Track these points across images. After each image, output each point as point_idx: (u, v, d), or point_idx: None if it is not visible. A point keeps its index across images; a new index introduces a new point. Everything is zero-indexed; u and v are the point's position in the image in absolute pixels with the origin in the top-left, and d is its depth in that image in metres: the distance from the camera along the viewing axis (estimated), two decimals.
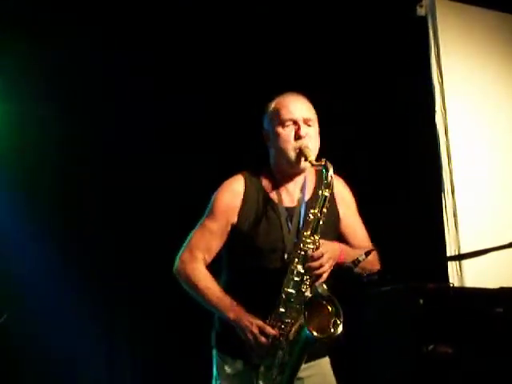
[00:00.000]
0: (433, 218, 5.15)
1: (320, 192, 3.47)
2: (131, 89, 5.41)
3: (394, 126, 5.39)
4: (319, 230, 3.46)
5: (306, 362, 3.52)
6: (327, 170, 3.45)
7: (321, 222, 3.46)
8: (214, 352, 3.63)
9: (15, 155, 5.35)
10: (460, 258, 5.12)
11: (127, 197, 5.41)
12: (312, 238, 3.46)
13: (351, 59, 5.47)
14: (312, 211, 3.47)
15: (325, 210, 3.46)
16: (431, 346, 4.40)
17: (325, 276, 3.46)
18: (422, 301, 4.50)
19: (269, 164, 3.69)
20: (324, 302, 3.37)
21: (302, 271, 3.45)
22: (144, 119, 5.55)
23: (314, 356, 3.58)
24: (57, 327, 5.17)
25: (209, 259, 3.61)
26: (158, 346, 5.34)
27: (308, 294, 3.42)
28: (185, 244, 3.63)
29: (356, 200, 3.83)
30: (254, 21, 5.44)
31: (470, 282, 4.98)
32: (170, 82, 5.51)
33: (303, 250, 3.45)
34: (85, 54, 5.31)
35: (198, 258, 3.58)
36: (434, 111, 5.22)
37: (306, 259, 3.45)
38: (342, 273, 3.56)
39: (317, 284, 3.41)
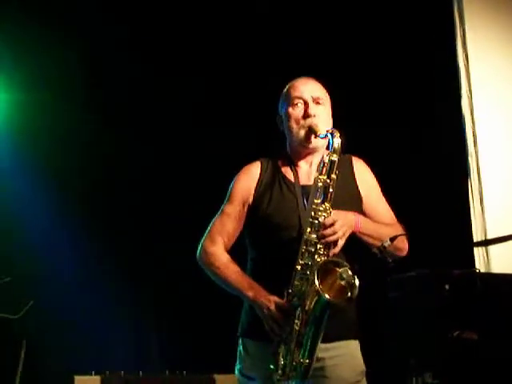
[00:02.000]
0: (459, 204, 5.10)
1: (327, 158, 3.45)
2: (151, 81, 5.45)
3: (419, 110, 5.35)
4: (330, 198, 3.42)
5: (331, 342, 3.49)
6: (333, 137, 3.44)
7: (331, 190, 3.42)
8: (238, 336, 3.63)
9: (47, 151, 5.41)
10: (486, 243, 5.08)
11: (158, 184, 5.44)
12: (323, 206, 3.42)
13: (377, 44, 5.44)
14: (320, 177, 3.44)
15: (333, 175, 3.42)
16: (457, 332, 4.37)
17: (340, 244, 3.41)
18: (447, 287, 4.47)
19: (286, 149, 3.69)
20: (337, 268, 3.32)
21: (316, 240, 3.41)
22: (168, 112, 5.59)
23: (340, 337, 3.54)
24: (85, 314, 5.23)
25: (229, 243, 3.63)
26: (184, 329, 5.37)
27: (322, 260, 3.37)
28: (206, 231, 3.65)
29: (380, 185, 3.79)
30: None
31: (496, 268, 4.93)
32: (192, 68, 5.54)
33: (315, 219, 3.42)
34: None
35: (217, 243, 3.61)
36: (459, 95, 5.18)
37: (318, 228, 3.42)
38: (368, 258, 3.50)
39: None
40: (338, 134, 3.45)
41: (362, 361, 3.55)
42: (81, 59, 5.44)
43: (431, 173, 5.24)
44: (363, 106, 5.39)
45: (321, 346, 3.40)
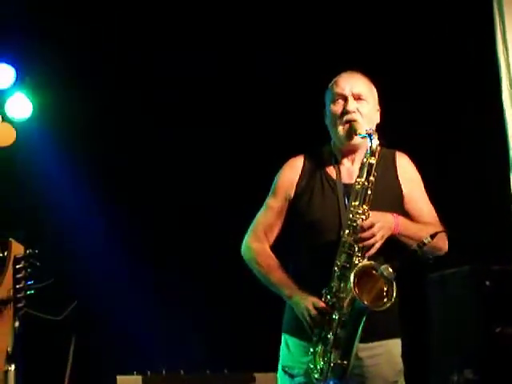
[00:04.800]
0: (500, 198, 5.07)
1: (365, 160, 3.44)
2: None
3: (459, 105, 5.32)
4: (368, 200, 3.41)
5: (370, 342, 3.48)
6: (372, 139, 3.43)
7: (369, 192, 3.41)
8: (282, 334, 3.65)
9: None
10: None
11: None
12: (361, 209, 3.41)
13: (418, 40, 5.42)
14: (358, 180, 3.43)
15: (372, 178, 3.41)
16: (498, 328, 4.34)
17: (376, 246, 3.41)
18: (488, 283, 4.45)
19: (330, 143, 3.68)
20: (375, 272, 3.32)
21: (353, 243, 3.41)
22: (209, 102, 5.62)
23: (381, 336, 3.53)
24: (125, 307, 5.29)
25: (271, 238, 3.63)
26: (225, 327, 5.40)
27: (359, 265, 3.37)
28: (251, 225, 3.67)
29: (423, 181, 3.77)
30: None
31: None
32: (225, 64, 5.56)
33: (353, 221, 3.41)
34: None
35: (260, 238, 3.61)
36: (500, 90, 5.14)
37: (356, 230, 3.41)
38: (408, 255, 3.49)
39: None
40: (376, 136, 3.44)
41: (401, 360, 3.55)
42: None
43: (472, 168, 5.21)
44: (406, 102, 5.37)
45: (360, 345, 3.39)
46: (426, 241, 3.38)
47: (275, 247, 3.62)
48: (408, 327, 3.61)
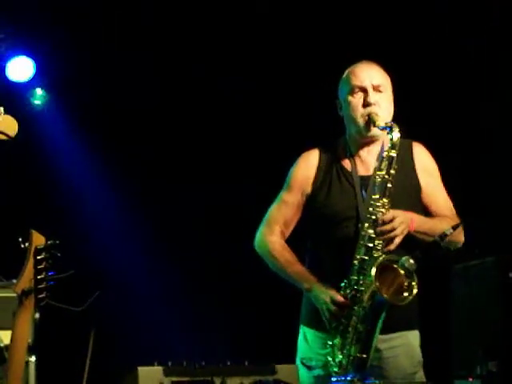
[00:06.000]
0: None
1: (386, 153, 3.43)
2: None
3: (486, 100, 5.29)
4: (388, 193, 3.40)
5: (389, 333, 3.47)
6: (392, 131, 3.41)
7: (389, 185, 3.41)
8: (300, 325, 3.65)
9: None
10: None
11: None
12: (381, 202, 3.41)
13: (444, 32, 5.38)
14: (379, 173, 3.43)
15: (392, 171, 3.41)
16: None
17: (397, 241, 3.40)
18: (511, 274, 4.42)
19: (345, 135, 3.67)
20: (396, 266, 3.31)
21: (373, 236, 3.40)
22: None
23: (399, 327, 3.52)
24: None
25: (287, 232, 3.64)
26: (245, 319, 5.40)
27: (380, 259, 3.37)
28: (264, 219, 3.66)
29: (440, 170, 3.74)
30: None
31: None
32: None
33: (373, 214, 3.41)
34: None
35: (275, 231, 3.62)
36: None
37: (376, 223, 3.40)
38: (429, 247, 3.47)
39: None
40: (397, 129, 3.43)
41: (420, 351, 3.53)
42: None
43: (497, 157, 5.18)
44: (417, 90, 5.35)
45: (379, 337, 3.39)
46: (447, 232, 3.38)
47: (289, 241, 3.61)
48: (430, 318, 3.60)
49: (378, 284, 3.27)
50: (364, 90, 3.55)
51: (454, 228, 3.40)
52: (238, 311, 5.51)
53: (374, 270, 3.30)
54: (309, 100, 5.42)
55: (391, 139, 3.43)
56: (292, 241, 3.64)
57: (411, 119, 3.61)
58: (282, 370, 3.17)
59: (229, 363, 3.17)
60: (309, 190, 3.61)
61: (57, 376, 4.76)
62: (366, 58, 3.63)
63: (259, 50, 5.59)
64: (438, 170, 3.68)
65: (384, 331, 3.41)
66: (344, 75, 3.64)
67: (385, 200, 3.41)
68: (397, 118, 3.54)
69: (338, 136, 3.68)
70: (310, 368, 3.52)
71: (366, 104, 3.53)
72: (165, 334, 5.30)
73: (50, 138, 5.51)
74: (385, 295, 3.28)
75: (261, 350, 4.99)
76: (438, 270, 4.38)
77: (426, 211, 3.58)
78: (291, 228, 3.64)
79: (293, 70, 5.55)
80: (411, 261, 3.32)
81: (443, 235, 3.38)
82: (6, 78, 5.52)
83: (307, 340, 3.58)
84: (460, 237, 3.58)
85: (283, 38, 5.53)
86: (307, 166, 3.63)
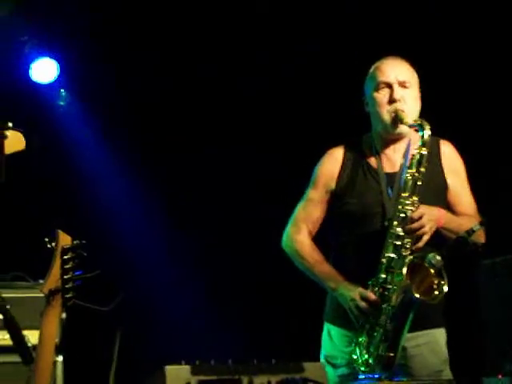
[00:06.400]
0: None
1: (416, 151, 3.41)
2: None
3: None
4: (417, 191, 3.39)
5: (415, 331, 3.46)
6: (423, 129, 3.39)
7: (419, 183, 3.39)
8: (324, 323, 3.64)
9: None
10: None
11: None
12: (411, 200, 3.40)
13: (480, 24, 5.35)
14: (409, 171, 3.41)
15: (422, 169, 3.40)
16: None
17: (425, 238, 3.38)
18: None
19: (370, 132, 3.65)
20: (426, 264, 3.29)
21: (402, 234, 3.38)
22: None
23: (425, 325, 3.50)
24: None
25: (313, 229, 3.64)
26: (273, 317, 5.39)
27: (409, 257, 3.35)
28: (291, 217, 3.66)
29: (466, 167, 3.72)
30: None
31: None
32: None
33: (402, 212, 3.39)
34: None
35: (302, 230, 3.63)
36: None
37: (405, 221, 3.38)
38: (457, 243, 3.46)
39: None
40: (428, 126, 3.40)
41: (446, 349, 3.51)
42: None
43: None
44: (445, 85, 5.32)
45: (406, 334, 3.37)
46: (475, 228, 3.39)
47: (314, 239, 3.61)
48: (458, 316, 3.58)
49: (409, 282, 3.25)
50: (389, 86, 3.54)
51: (482, 224, 3.39)
52: (266, 309, 5.51)
53: (405, 269, 3.28)
54: (335, 97, 5.40)
55: (422, 137, 3.41)
56: (316, 239, 3.62)
57: (439, 116, 3.57)
58: (310, 368, 3.16)
59: (256, 361, 3.16)
60: (333, 186, 3.60)
61: (84, 376, 4.77)
62: (395, 54, 3.60)
63: (287, 46, 5.57)
64: (464, 169, 3.66)
65: (410, 329, 3.40)
66: (370, 71, 3.63)
67: (414, 198, 3.40)
68: (425, 115, 3.51)
69: (363, 133, 3.66)
70: (334, 366, 3.52)
71: (391, 100, 3.52)
72: (192, 333, 5.31)
73: (73, 139, 5.53)
74: (416, 294, 3.26)
75: (288, 347, 5.00)
76: (466, 267, 4.35)
77: (450, 210, 3.56)
78: (318, 225, 3.65)
79: (321, 66, 5.52)
80: (438, 257, 3.31)
81: (471, 231, 3.38)
82: (30, 79, 5.53)
83: (331, 337, 3.57)
84: (481, 238, 3.56)
85: (312, 32, 5.51)
86: (332, 162, 3.63)
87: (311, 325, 3.94)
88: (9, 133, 2.97)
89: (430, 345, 3.53)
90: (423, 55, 4.22)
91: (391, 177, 3.55)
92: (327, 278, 3.52)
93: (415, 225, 3.38)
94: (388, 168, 3.58)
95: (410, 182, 3.41)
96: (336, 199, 3.60)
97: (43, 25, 5.43)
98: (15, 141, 2.97)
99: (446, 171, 3.61)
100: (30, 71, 5.53)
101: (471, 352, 4.52)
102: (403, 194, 3.41)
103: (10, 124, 2.97)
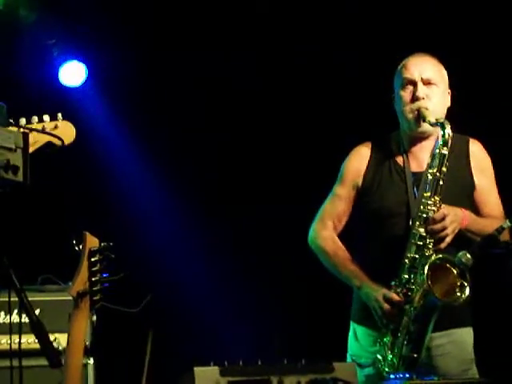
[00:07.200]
0: None
1: (437, 151, 3.39)
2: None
3: None
4: (440, 191, 3.36)
5: (440, 331, 3.43)
6: (444, 128, 3.36)
7: (441, 182, 3.36)
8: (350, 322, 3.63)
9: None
10: None
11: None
12: (433, 200, 3.37)
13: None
14: (430, 171, 3.38)
15: (444, 168, 3.37)
16: None
17: (448, 240, 3.35)
18: None
19: (398, 130, 3.63)
20: (448, 265, 3.26)
21: (424, 234, 3.35)
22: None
23: (450, 324, 3.47)
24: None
25: (340, 226, 3.63)
26: (303, 317, 5.38)
27: (432, 258, 3.32)
28: (317, 214, 3.65)
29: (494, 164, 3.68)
30: None
31: None
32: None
33: (424, 213, 3.36)
34: None
35: (328, 226, 3.62)
36: None
37: (427, 222, 3.35)
38: (486, 241, 3.42)
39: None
40: (449, 125, 3.37)
41: (472, 349, 3.48)
42: None
43: None
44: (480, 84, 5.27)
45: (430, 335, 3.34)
46: (505, 226, 3.35)
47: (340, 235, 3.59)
48: (487, 315, 3.54)
49: (430, 283, 3.22)
50: (414, 84, 3.51)
51: None
52: (295, 309, 5.50)
53: (426, 269, 3.26)
54: (364, 94, 5.37)
55: (443, 136, 3.38)
56: (342, 235, 3.61)
57: (470, 115, 3.54)
58: (340, 368, 3.14)
59: (285, 362, 3.15)
60: (359, 182, 3.59)
61: (115, 378, 4.78)
62: (426, 50, 3.57)
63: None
64: (492, 169, 3.62)
65: (435, 329, 3.38)
66: (398, 68, 3.60)
67: (436, 198, 3.38)
68: (454, 114, 3.47)
69: (392, 131, 3.63)
70: (360, 366, 3.50)
71: (414, 98, 3.48)
72: (220, 334, 5.31)
73: (102, 142, 5.55)
74: (437, 295, 3.24)
75: (318, 347, 4.98)
76: (495, 266, 4.31)
77: (476, 210, 3.52)
78: (344, 222, 3.64)
79: (353, 63, 5.50)
80: (468, 255, 3.28)
81: (500, 229, 3.34)
82: (58, 82, 5.56)
83: (357, 337, 3.56)
84: (506, 234, 3.52)
85: (343, 29, 5.48)
86: (359, 158, 3.62)
87: (343, 324, 3.93)
88: (60, 123, 2.99)
89: (454, 344, 3.50)
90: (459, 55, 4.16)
91: (418, 176, 3.52)
92: (352, 275, 3.51)
93: (438, 226, 3.36)
94: (415, 167, 3.56)
95: (432, 182, 3.37)
96: (361, 195, 3.59)
97: (71, 28, 5.45)
98: (67, 131, 2.98)
99: (474, 171, 3.58)
100: (58, 75, 5.55)
101: (500, 351, 4.48)
102: (425, 194, 3.38)
103: (60, 115, 2.98)
